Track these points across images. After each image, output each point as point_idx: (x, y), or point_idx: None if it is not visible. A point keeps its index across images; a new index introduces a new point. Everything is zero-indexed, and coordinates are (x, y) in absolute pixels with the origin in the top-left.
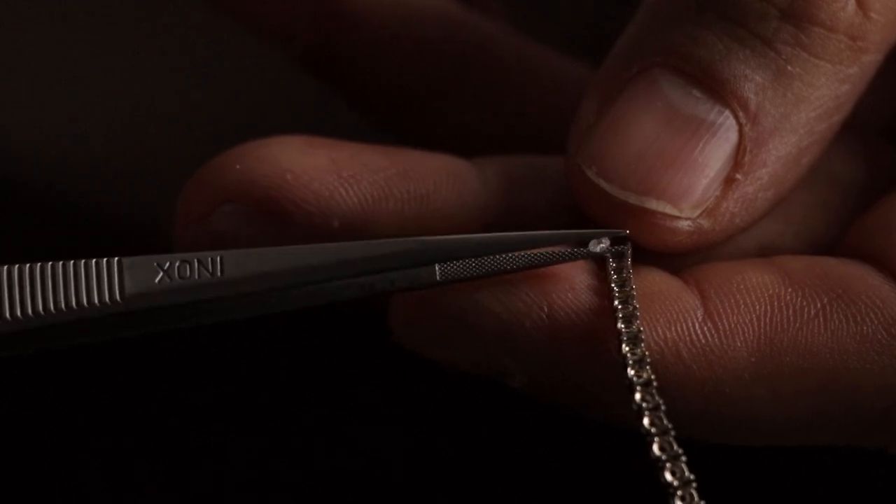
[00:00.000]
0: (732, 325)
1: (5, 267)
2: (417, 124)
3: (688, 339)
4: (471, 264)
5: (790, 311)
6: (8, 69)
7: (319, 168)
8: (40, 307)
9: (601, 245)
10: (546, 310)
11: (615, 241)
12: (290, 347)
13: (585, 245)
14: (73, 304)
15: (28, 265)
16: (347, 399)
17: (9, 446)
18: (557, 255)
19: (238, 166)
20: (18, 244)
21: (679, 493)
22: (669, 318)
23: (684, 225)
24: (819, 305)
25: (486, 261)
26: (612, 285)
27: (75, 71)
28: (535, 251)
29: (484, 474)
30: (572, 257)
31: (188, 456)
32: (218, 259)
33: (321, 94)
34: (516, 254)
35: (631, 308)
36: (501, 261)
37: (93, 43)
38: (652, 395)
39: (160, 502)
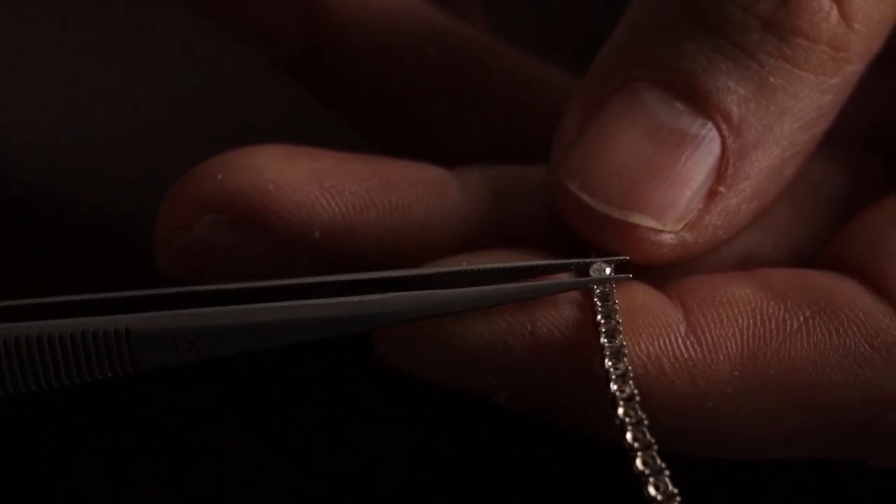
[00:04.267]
0: (715, 339)
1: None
2: (403, 129)
3: (671, 353)
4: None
5: (773, 325)
6: (8, 69)
7: (301, 178)
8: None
9: (605, 272)
10: (529, 326)
11: (618, 268)
12: (289, 347)
13: (586, 272)
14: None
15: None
16: (347, 399)
17: (9, 446)
18: (555, 286)
19: (219, 176)
20: (18, 244)
21: None
22: (652, 333)
23: (667, 238)
24: (801, 318)
25: (483, 293)
26: (595, 300)
27: (75, 71)
28: (530, 284)
29: (484, 474)
30: (571, 287)
31: (188, 456)
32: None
33: None
34: (510, 286)
35: (614, 323)
36: (496, 295)
37: (93, 43)
38: (635, 410)
39: (160, 502)
